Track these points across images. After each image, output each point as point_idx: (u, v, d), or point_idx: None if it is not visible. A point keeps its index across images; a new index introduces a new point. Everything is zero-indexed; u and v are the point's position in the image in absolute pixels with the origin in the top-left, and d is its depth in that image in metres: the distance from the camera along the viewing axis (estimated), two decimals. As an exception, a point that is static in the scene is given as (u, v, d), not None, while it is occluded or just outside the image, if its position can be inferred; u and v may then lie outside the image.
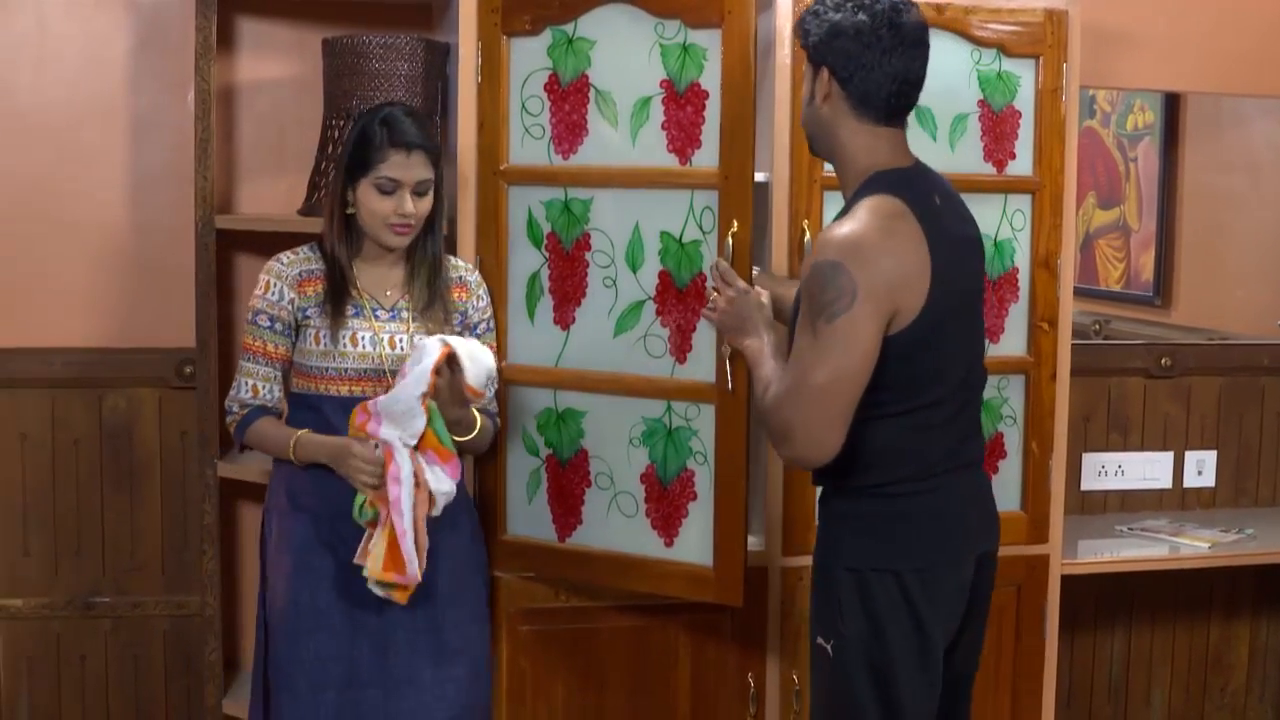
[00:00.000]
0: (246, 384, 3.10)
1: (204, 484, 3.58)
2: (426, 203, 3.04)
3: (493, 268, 3.35)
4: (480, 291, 3.22)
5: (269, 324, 3.07)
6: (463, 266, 3.23)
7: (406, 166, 2.99)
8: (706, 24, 3.18)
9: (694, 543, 3.33)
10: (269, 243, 3.58)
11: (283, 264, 3.09)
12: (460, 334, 3.14)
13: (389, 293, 3.10)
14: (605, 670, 3.52)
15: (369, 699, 3.02)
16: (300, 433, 3.03)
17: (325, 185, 3.45)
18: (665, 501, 3.34)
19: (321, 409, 3.05)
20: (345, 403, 3.01)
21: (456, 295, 3.17)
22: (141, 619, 3.92)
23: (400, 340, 3.06)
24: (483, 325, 3.21)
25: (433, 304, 3.10)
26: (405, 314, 3.10)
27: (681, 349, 3.29)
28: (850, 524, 2.80)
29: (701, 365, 3.26)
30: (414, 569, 2.90)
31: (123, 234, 3.84)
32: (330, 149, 3.49)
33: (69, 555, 3.88)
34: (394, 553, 2.90)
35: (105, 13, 3.80)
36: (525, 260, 3.37)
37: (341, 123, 3.45)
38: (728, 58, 3.16)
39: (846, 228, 2.65)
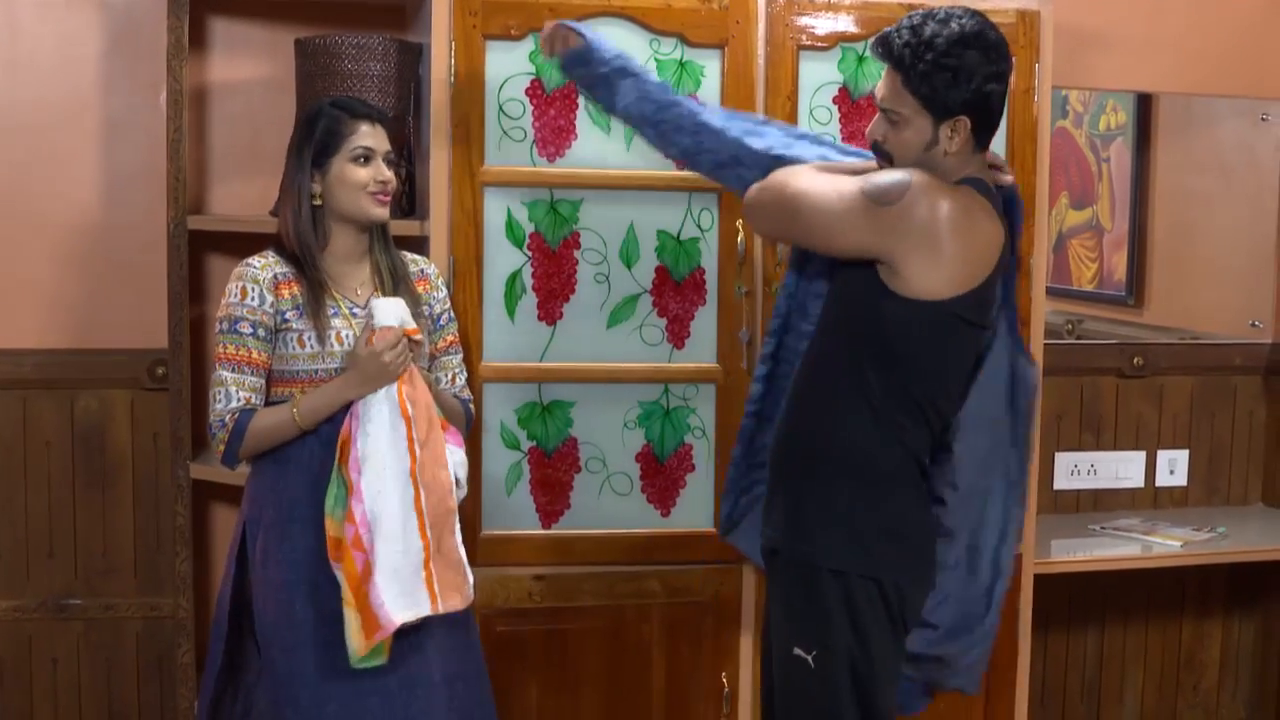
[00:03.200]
0: (237, 395, 2.93)
1: (177, 485, 3.58)
2: (392, 174, 3.05)
3: (468, 268, 3.36)
4: (439, 283, 3.20)
5: (251, 330, 2.94)
6: (421, 260, 3.21)
7: (375, 136, 3.01)
8: (706, 44, 3.44)
9: (693, 510, 3.55)
10: (242, 243, 3.57)
11: (255, 268, 2.98)
12: (426, 324, 3.13)
13: (359, 290, 3.06)
14: (579, 670, 3.53)
15: (374, 706, 2.96)
16: (297, 398, 2.94)
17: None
18: (662, 476, 3.52)
19: None
20: None
21: (421, 288, 3.16)
22: (114, 621, 3.90)
23: None
24: (445, 316, 3.19)
25: (399, 294, 3.05)
26: None
27: (680, 336, 3.50)
28: (839, 525, 2.77)
29: (701, 349, 3.51)
30: (388, 614, 2.82)
31: (95, 235, 3.82)
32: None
33: (41, 557, 3.86)
34: (366, 612, 2.83)
35: (77, 13, 3.78)
36: (504, 260, 3.41)
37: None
38: (732, 74, 3.45)
39: (946, 194, 2.70)
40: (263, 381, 2.97)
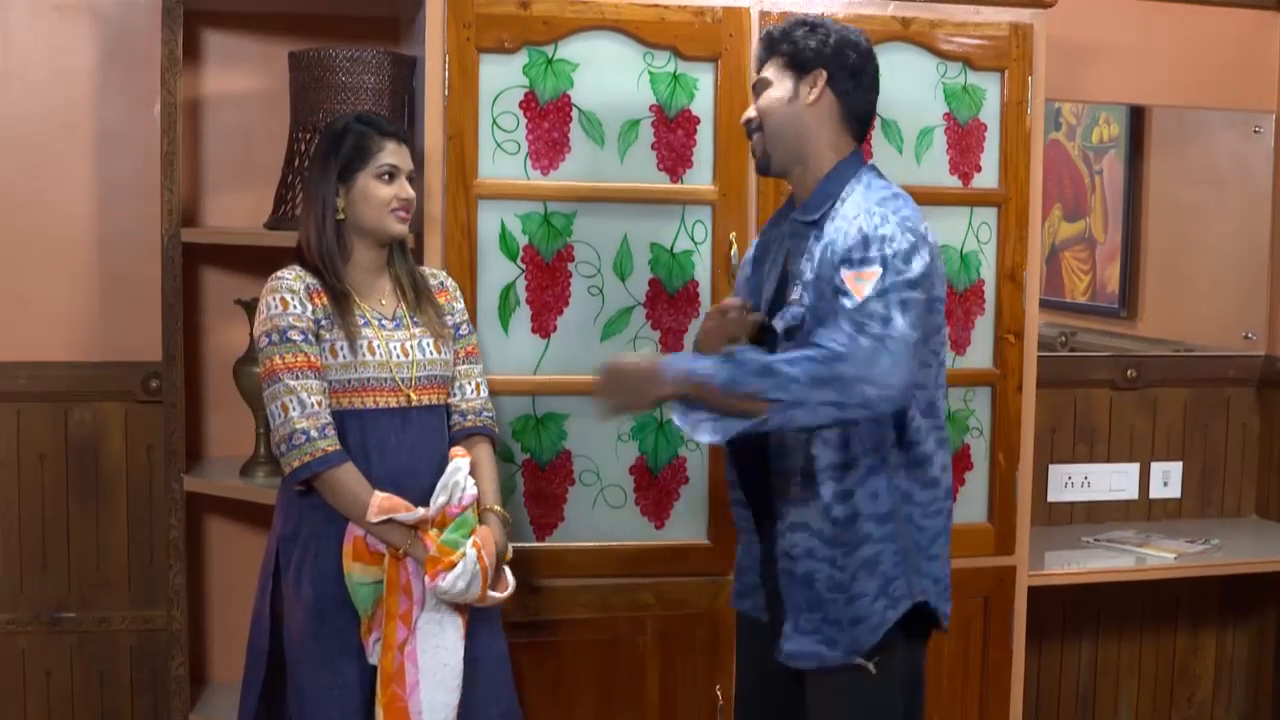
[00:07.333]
0: (310, 400, 2.89)
1: (170, 498, 3.57)
2: (413, 193, 3.06)
3: (462, 281, 3.36)
4: (456, 294, 3.22)
5: (303, 337, 2.92)
6: (440, 274, 3.23)
7: (400, 155, 3.04)
8: (699, 57, 3.46)
9: (686, 522, 3.56)
10: (235, 256, 3.58)
11: (288, 279, 2.97)
12: (450, 343, 3.13)
13: (384, 301, 3.07)
14: (574, 683, 3.52)
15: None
16: (375, 502, 2.90)
17: (295, 201, 3.42)
18: (656, 489, 3.52)
19: (345, 424, 2.96)
20: (363, 417, 2.96)
21: (442, 299, 3.16)
22: (108, 634, 3.89)
23: (410, 347, 3.03)
24: (465, 326, 3.19)
25: (423, 306, 3.09)
26: (406, 319, 3.07)
27: (673, 348, 3.49)
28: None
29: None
30: None
31: (88, 247, 3.82)
32: (297, 162, 3.48)
33: (35, 570, 3.86)
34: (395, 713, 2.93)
35: (71, 26, 3.78)
36: (498, 272, 3.42)
37: (308, 136, 3.45)
38: (725, 87, 3.46)
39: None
40: (326, 385, 2.94)
